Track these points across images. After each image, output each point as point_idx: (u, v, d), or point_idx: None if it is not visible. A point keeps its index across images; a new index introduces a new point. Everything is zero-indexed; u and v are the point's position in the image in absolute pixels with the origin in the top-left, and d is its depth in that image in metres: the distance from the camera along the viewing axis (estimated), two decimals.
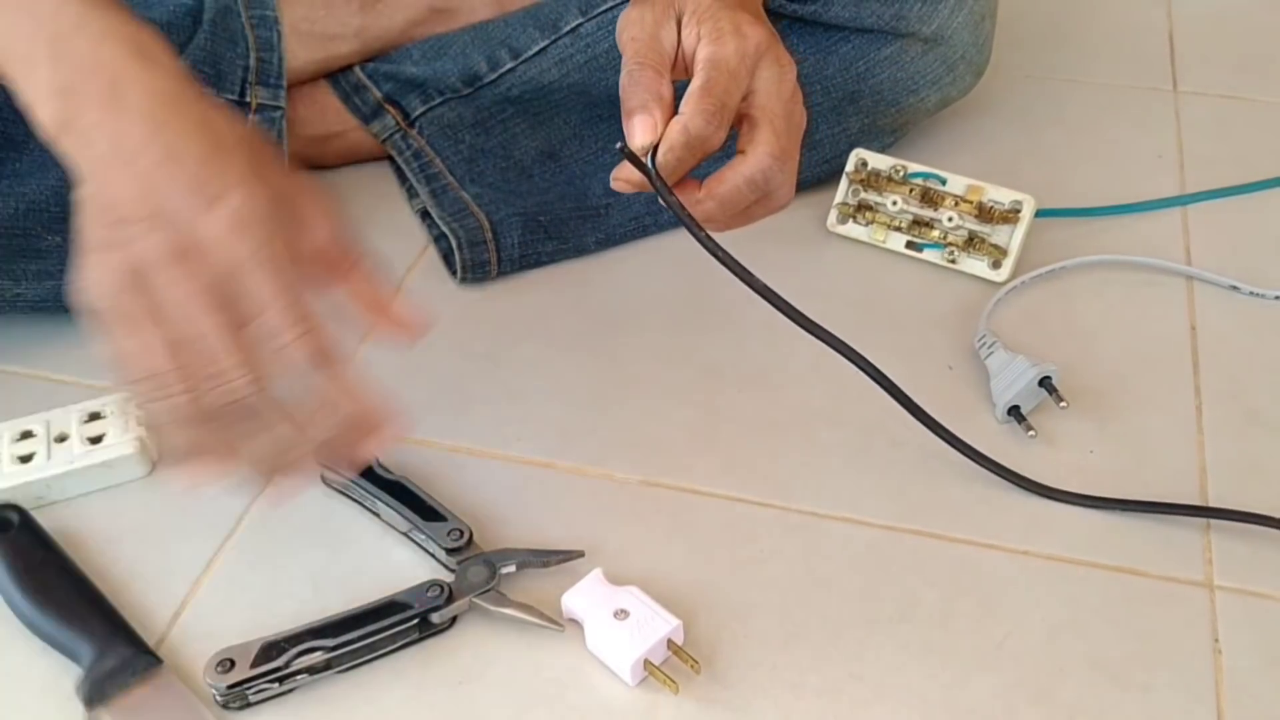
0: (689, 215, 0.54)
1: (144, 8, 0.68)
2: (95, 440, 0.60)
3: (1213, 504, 0.58)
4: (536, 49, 0.73)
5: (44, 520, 0.58)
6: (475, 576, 0.53)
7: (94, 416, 0.61)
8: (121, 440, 0.60)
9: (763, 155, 0.55)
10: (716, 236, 0.54)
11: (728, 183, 0.55)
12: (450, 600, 0.52)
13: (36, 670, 0.52)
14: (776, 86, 0.55)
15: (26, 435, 0.60)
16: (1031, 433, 0.61)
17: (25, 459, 0.59)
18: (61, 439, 0.60)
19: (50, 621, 0.52)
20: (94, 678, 0.49)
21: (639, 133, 0.53)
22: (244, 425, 0.43)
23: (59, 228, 0.65)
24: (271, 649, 0.50)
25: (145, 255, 0.42)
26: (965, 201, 0.71)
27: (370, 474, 0.58)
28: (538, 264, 0.73)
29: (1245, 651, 0.52)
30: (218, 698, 0.50)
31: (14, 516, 0.56)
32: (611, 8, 0.72)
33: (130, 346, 0.43)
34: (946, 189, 0.72)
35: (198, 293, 0.42)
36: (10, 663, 0.52)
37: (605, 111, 0.73)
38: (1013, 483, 0.59)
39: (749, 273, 0.54)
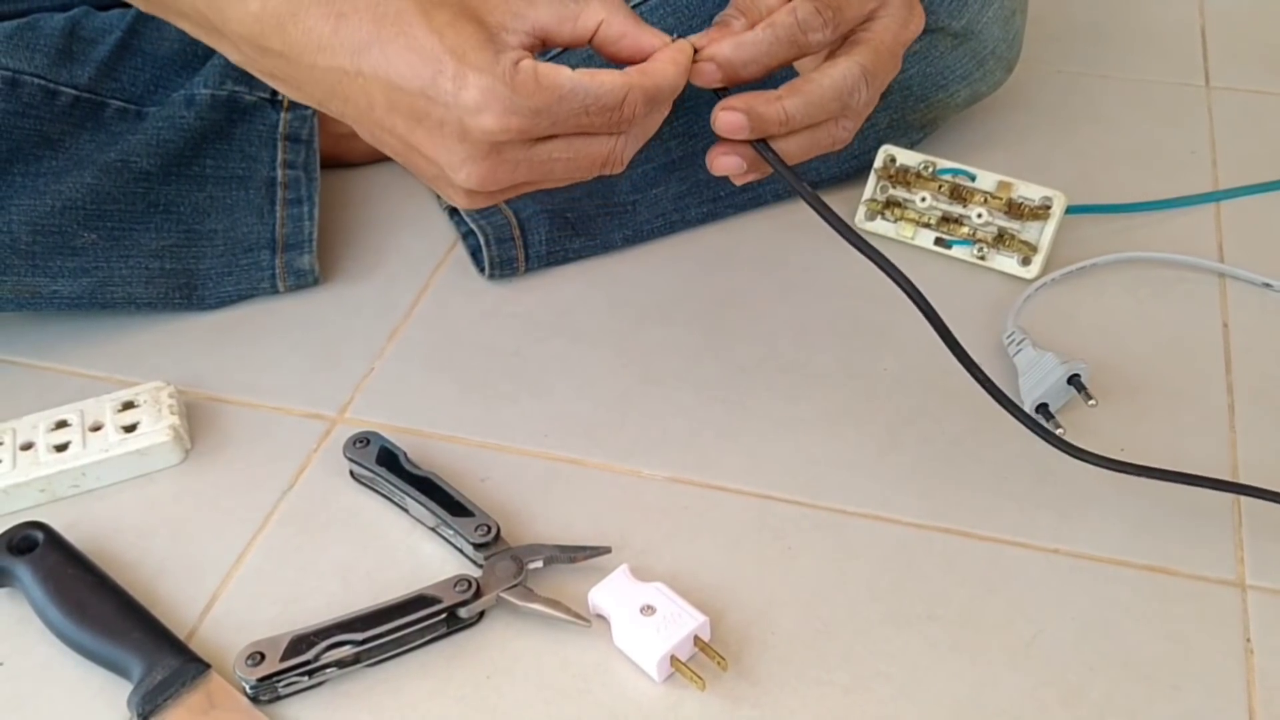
0: (722, 89, 0.51)
1: None
2: (129, 429, 0.60)
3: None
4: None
5: (77, 511, 0.59)
6: (503, 571, 0.54)
7: (128, 405, 0.61)
8: (155, 428, 0.60)
9: (855, 67, 0.51)
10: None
11: (816, 83, 0.51)
12: (478, 595, 0.53)
13: (85, 689, 0.51)
14: (898, 27, 0.52)
15: (61, 425, 0.61)
16: (1060, 430, 0.61)
17: (61, 448, 0.60)
18: (96, 428, 0.60)
19: (93, 639, 0.51)
20: (145, 690, 0.49)
21: None
22: None
23: (94, 225, 0.66)
24: (301, 642, 0.51)
25: None
26: (995, 198, 0.71)
27: (398, 469, 0.58)
28: (565, 260, 0.73)
29: (1278, 651, 0.52)
30: (248, 690, 0.50)
31: (38, 534, 0.55)
32: (635, 6, 0.72)
33: None
34: (976, 185, 0.72)
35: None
36: (58, 683, 0.52)
37: None
38: (1045, 440, 0.56)
39: (776, 155, 0.53)
